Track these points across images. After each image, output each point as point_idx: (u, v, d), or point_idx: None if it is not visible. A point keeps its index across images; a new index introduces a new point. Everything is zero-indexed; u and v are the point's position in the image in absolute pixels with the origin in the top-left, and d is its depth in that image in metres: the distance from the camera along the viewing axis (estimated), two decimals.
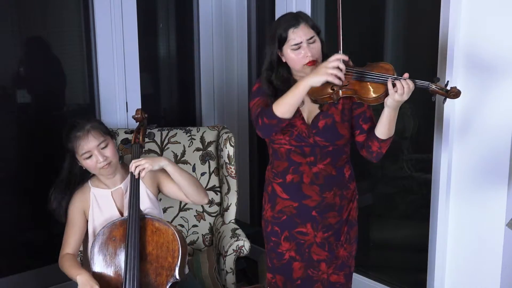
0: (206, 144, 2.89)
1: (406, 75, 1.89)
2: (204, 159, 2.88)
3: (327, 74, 1.88)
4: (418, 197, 2.85)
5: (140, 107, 3.14)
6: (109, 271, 2.18)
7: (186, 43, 3.49)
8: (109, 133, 2.28)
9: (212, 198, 2.87)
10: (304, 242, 2.18)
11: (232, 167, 2.75)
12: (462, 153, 2.34)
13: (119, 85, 3.07)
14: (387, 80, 1.90)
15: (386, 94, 1.90)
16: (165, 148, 2.85)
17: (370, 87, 1.94)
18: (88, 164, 2.23)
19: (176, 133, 2.88)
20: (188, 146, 2.87)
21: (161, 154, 2.83)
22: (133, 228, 2.14)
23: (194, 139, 2.89)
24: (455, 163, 2.37)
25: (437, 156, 2.41)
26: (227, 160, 2.75)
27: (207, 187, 2.86)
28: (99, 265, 2.19)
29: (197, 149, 2.88)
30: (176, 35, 3.51)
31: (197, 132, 2.91)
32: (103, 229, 2.21)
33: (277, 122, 2.00)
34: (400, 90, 1.85)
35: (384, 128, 1.99)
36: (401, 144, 2.82)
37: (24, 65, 3.05)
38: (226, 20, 3.46)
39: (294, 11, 2.99)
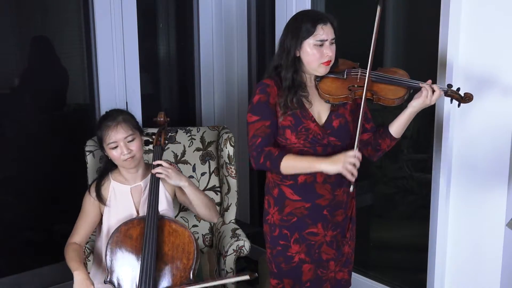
0: (206, 144, 2.89)
1: (429, 81, 2.03)
2: (204, 159, 2.88)
3: (344, 168, 1.96)
4: (418, 197, 2.85)
5: (140, 107, 3.15)
6: (124, 269, 2.21)
7: (186, 43, 3.49)
8: (138, 128, 2.35)
9: (212, 198, 2.86)
10: (315, 243, 2.17)
11: (232, 167, 2.75)
12: (462, 153, 2.35)
13: (119, 85, 3.07)
14: (408, 84, 2.04)
15: (405, 96, 2.03)
16: (165, 148, 2.85)
17: (390, 89, 2.04)
18: (113, 154, 2.28)
19: (176, 133, 2.89)
20: (188, 146, 2.87)
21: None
22: (151, 227, 2.18)
23: (194, 139, 2.89)
24: (454, 163, 2.37)
25: (437, 156, 2.41)
26: (227, 160, 2.75)
27: (207, 187, 2.86)
28: (115, 263, 2.21)
29: (197, 149, 2.88)
30: (176, 35, 3.51)
31: (197, 132, 2.91)
32: (119, 227, 2.24)
33: (276, 172, 2.08)
34: (435, 96, 1.99)
35: (400, 128, 2.09)
36: (401, 144, 2.82)
37: (24, 65, 3.05)
38: (226, 20, 3.46)
39: (294, 11, 3.00)
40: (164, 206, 2.35)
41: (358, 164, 1.97)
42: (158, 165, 2.28)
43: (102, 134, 2.28)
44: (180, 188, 2.37)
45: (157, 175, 2.27)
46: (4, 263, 2.96)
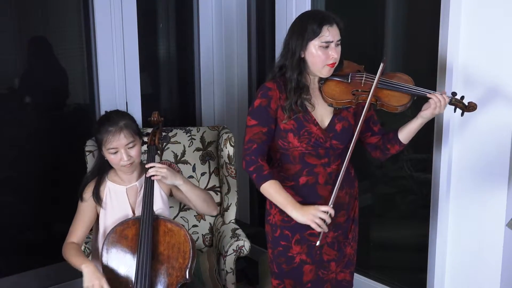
0: (206, 144, 2.89)
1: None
2: (204, 159, 2.88)
3: (312, 221, 2.01)
4: (418, 197, 2.85)
5: (140, 107, 3.15)
6: (120, 270, 2.20)
7: (186, 43, 3.49)
8: (139, 133, 2.31)
9: (208, 192, 2.86)
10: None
11: (232, 167, 2.75)
12: (462, 153, 2.35)
13: (119, 85, 3.07)
14: (413, 91, 2.02)
15: (408, 104, 2.02)
16: (165, 148, 2.85)
17: (394, 95, 2.03)
18: (112, 158, 2.25)
19: (176, 133, 2.89)
20: (188, 146, 2.87)
21: (161, 154, 2.83)
22: (146, 228, 2.17)
23: (194, 139, 2.89)
24: (455, 163, 2.37)
25: (437, 156, 2.41)
26: (227, 160, 2.75)
27: (207, 187, 2.86)
28: (110, 263, 2.21)
29: (197, 149, 2.88)
30: (176, 35, 3.51)
31: (197, 132, 2.91)
32: (115, 227, 2.24)
33: (255, 186, 2.12)
34: (441, 107, 1.99)
35: (410, 135, 2.10)
36: None
37: (24, 65, 3.05)
38: (226, 20, 3.46)
39: (294, 11, 2.99)
40: (160, 205, 2.34)
41: (329, 220, 2.01)
42: (152, 167, 2.25)
43: (102, 138, 2.23)
44: (174, 188, 2.37)
45: (152, 178, 2.26)
46: (4, 263, 2.96)
